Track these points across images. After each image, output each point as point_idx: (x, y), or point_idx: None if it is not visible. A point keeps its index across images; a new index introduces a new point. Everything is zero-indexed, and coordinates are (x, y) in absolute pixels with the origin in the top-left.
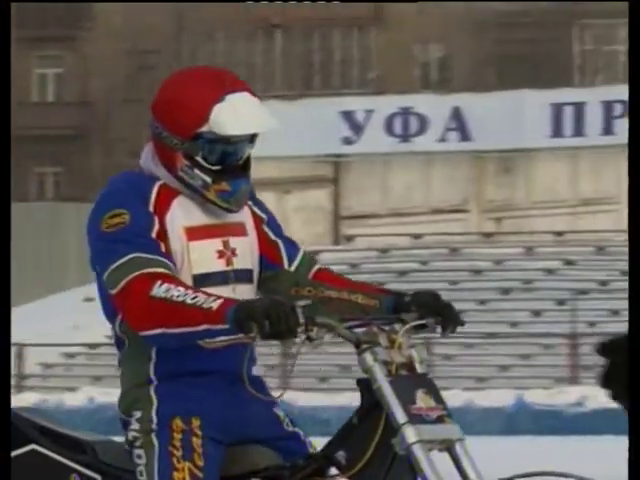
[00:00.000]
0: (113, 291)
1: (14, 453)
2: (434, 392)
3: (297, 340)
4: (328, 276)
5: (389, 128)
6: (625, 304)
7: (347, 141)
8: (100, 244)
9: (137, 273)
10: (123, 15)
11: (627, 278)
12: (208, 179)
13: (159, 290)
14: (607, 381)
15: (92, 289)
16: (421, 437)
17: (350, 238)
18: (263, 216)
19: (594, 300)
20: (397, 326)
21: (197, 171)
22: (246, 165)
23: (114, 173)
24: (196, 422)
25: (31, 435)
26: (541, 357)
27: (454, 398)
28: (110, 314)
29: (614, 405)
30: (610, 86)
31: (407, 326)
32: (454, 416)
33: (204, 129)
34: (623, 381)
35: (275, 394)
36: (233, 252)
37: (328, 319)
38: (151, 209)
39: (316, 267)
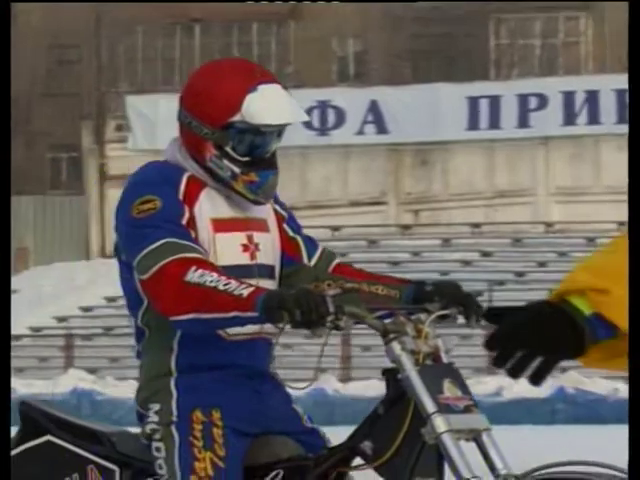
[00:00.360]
0: (144, 276)
1: (29, 444)
2: (460, 382)
3: (326, 329)
4: (347, 270)
5: (307, 121)
6: (541, 295)
7: None
8: (130, 230)
9: (171, 258)
10: (43, 10)
11: (542, 269)
12: (237, 170)
13: (194, 275)
14: (490, 345)
15: (14, 281)
16: (451, 426)
17: None
18: (284, 214)
19: (510, 291)
20: (423, 316)
21: (226, 161)
22: (273, 158)
23: (36, 166)
24: (216, 414)
25: (46, 426)
26: (459, 347)
27: (372, 388)
28: (134, 304)
29: (532, 395)
30: (525, 79)
31: (433, 316)
32: (372, 406)
33: (236, 118)
34: (504, 346)
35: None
36: (257, 247)
37: (357, 308)
38: (181, 198)
39: (335, 262)
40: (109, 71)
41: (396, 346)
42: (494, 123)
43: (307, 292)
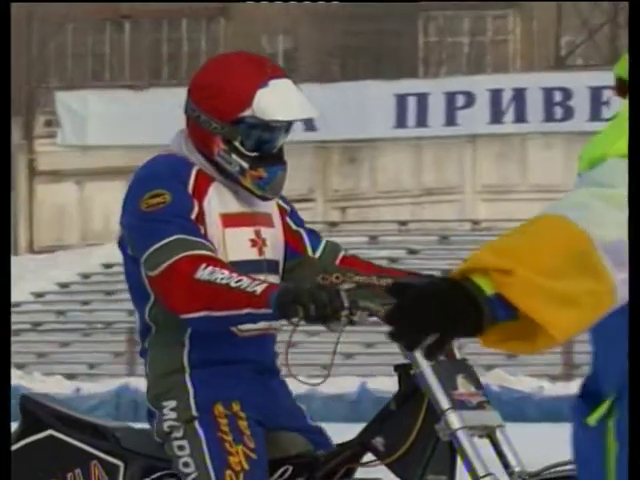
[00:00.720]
0: (153, 273)
1: (30, 439)
2: (473, 378)
3: (340, 324)
4: (355, 262)
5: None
6: None
7: None
8: (139, 224)
9: (181, 255)
10: None
11: None
12: (245, 165)
13: (204, 273)
14: (389, 320)
15: None
16: (465, 423)
17: None
18: (286, 207)
19: None
20: None
21: (235, 156)
22: (280, 153)
23: None
24: (236, 406)
25: (48, 421)
26: (384, 345)
27: (299, 385)
28: (140, 299)
29: None
30: (453, 77)
31: None
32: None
33: (246, 113)
34: (401, 321)
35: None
36: (264, 242)
37: (371, 303)
38: (190, 192)
39: (342, 253)
40: (39, 66)
41: None
42: (422, 121)
43: (321, 287)
